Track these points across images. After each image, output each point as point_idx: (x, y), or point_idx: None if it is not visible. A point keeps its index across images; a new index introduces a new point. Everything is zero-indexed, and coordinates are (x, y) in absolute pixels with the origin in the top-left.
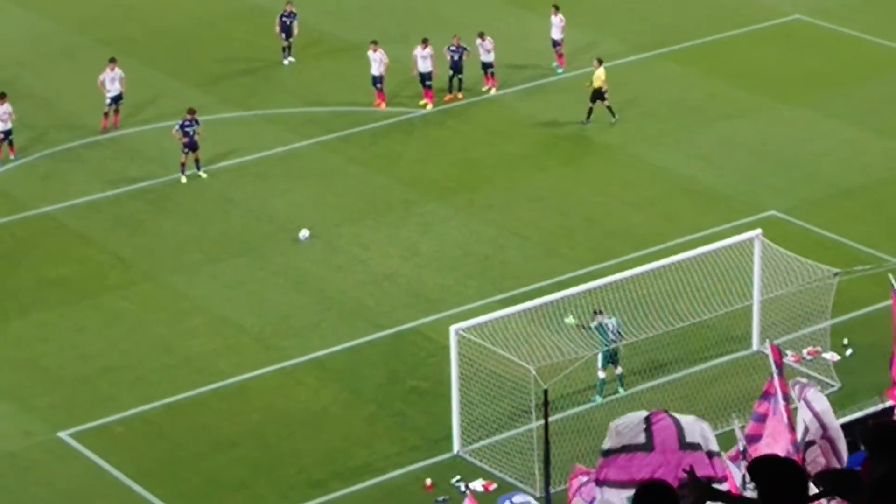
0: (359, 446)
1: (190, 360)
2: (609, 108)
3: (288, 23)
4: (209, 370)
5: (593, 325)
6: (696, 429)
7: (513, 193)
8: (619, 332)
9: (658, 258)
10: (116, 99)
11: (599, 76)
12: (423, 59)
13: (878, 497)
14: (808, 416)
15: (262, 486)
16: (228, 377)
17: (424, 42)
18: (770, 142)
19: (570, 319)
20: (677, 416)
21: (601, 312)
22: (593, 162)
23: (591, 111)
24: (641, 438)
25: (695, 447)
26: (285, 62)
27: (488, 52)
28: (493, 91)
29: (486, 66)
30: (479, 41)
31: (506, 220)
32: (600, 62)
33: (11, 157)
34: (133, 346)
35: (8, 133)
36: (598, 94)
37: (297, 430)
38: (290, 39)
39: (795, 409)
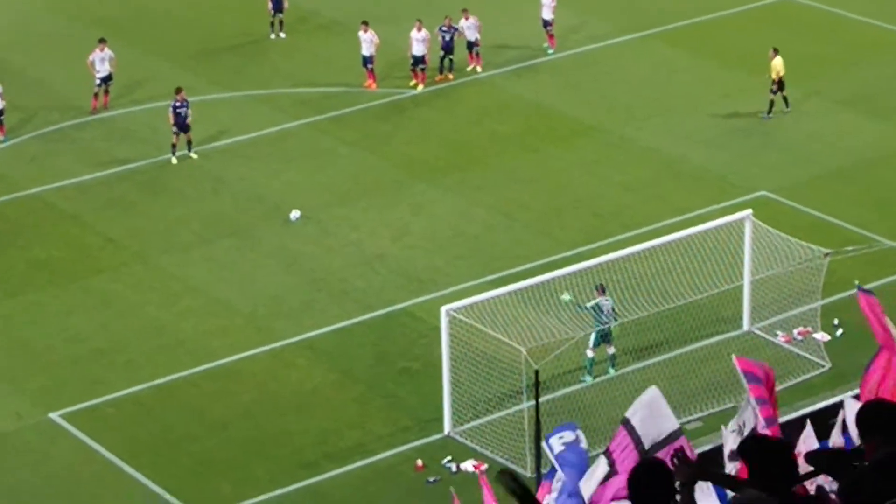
0: (350, 427)
1: (181, 342)
2: (772, 101)
3: None
4: (200, 351)
5: (589, 305)
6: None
7: (503, 174)
8: (613, 313)
9: (649, 239)
10: (106, 79)
11: (776, 66)
12: (419, 43)
13: (878, 478)
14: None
15: (254, 466)
16: (219, 358)
17: (419, 24)
18: (761, 122)
19: (566, 296)
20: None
21: (604, 290)
22: (584, 143)
23: (784, 101)
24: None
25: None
26: (272, 36)
27: (472, 30)
28: (478, 69)
29: (470, 46)
30: (462, 20)
31: (496, 200)
32: (776, 51)
33: (1, 137)
34: (124, 328)
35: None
36: (780, 85)
37: (289, 411)
38: (281, 15)
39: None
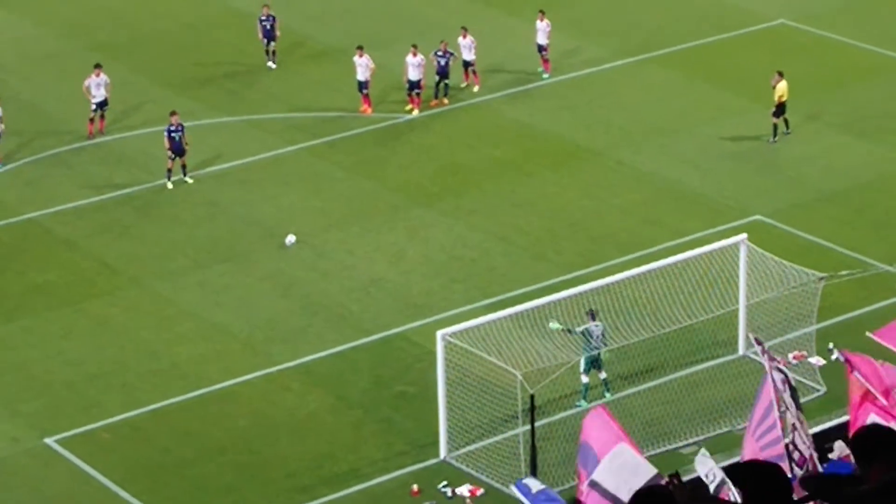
0: (345, 451)
1: (176, 366)
2: (775, 125)
3: (268, 27)
4: (196, 376)
5: (578, 330)
6: None
7: (499, 198)
8: (603, 338)
9: (644, 263)
10: (102, 105)
11: (780, 89)
12: (414, 68)
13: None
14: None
15: (249, 491)
16: (215, 383)
17: (415, 49)
18: (755, 146)
19: (554, 325)
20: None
21: (594, 316)
22: (579, 166)
23: (784, 124)
24: (624, 497)
25: None
26: (269, 63)
27: (469, 49)
28: (476, 88)
29: (466, 65)
30: (460, 38)
31: (492, 224)
32: (781, 75)
33: None
34: (119, 352)
35: None
36: (780, 108)
37: (284, 435)
38: (273, 44)
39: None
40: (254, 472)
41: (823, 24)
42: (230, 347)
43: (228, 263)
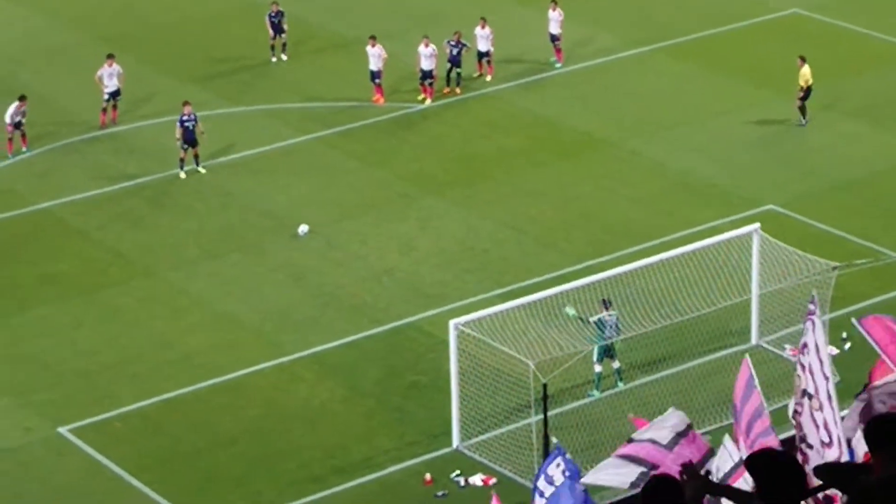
0: (358, 441)
1: (189, 356)
2: (802, 108)
3: (276, 21)
4: (208, 366)
5: (593, 319)
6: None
7: (511, 188)
8: (617, 327)
9: (656, 253)
10: (114, 94)
11: (804, 74)
12: (427, 58)
13: (886, 495)
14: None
15: (261, 481)
16: (227, 373)
17: (427, 39)
18: (768, 136)
19: (570, 310)
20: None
21: (609, 305)
22: (591, 157)
23: (805, 110)
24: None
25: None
26: (273, 59)
27: (486, 39)
28: (488, 78)
29: (481, 55)
30: (478, 28)
31: (504, 214)
32: (804, 60)
33: (23, 149)
34: (132, 342)
35: (18, 125)
36: (807, 93)
37: (296, 425)
38: (283, 37)
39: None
40: (265, 462)
41: (836, 13)
42: (242, 337)
43: (241, 253)
